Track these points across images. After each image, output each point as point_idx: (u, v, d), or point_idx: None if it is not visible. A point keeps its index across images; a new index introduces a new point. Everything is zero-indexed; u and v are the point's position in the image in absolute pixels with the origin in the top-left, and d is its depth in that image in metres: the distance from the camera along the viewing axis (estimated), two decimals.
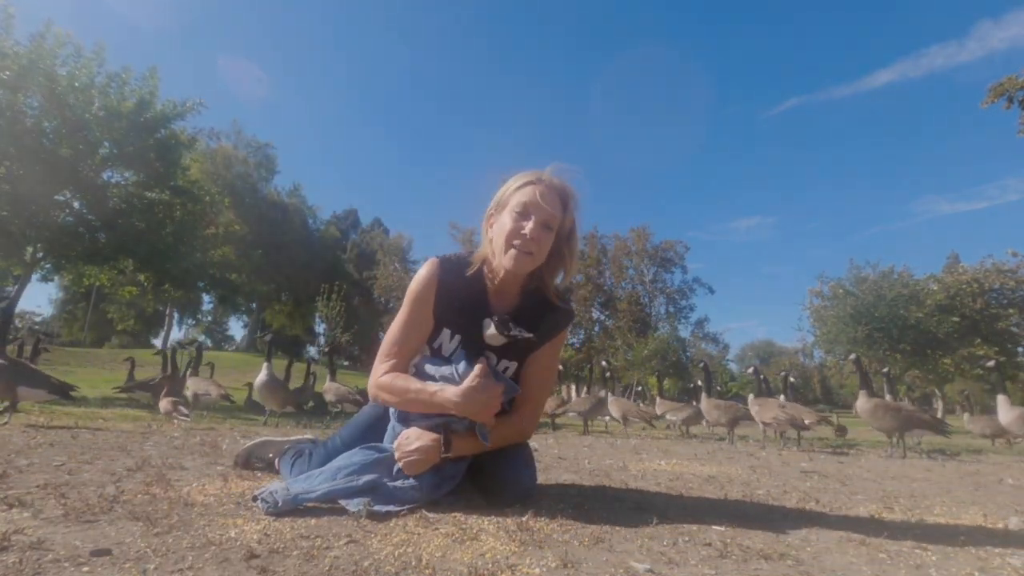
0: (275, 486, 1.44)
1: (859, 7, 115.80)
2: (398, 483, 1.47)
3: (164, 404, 4.68)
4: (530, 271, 1.60)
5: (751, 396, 5.72)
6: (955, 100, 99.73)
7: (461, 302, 1.61)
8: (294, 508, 1.37)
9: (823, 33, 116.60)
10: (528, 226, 1.52)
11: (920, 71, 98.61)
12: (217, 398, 6.29)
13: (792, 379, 9.35)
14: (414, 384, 1.54)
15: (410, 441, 1.50)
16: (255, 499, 1.39)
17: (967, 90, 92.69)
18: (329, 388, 6.44)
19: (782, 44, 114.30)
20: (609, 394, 7.19)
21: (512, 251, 1.53)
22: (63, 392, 3.98)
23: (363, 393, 7.60)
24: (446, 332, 1.64)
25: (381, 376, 1.60)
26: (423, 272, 1.62)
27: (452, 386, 1.49)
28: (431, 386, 1.51)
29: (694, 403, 6.93)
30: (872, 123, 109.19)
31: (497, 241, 1.57)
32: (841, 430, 6.81)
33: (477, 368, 1.47)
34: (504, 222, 1.56)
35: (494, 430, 1.57)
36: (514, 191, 1.58)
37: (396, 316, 1.66)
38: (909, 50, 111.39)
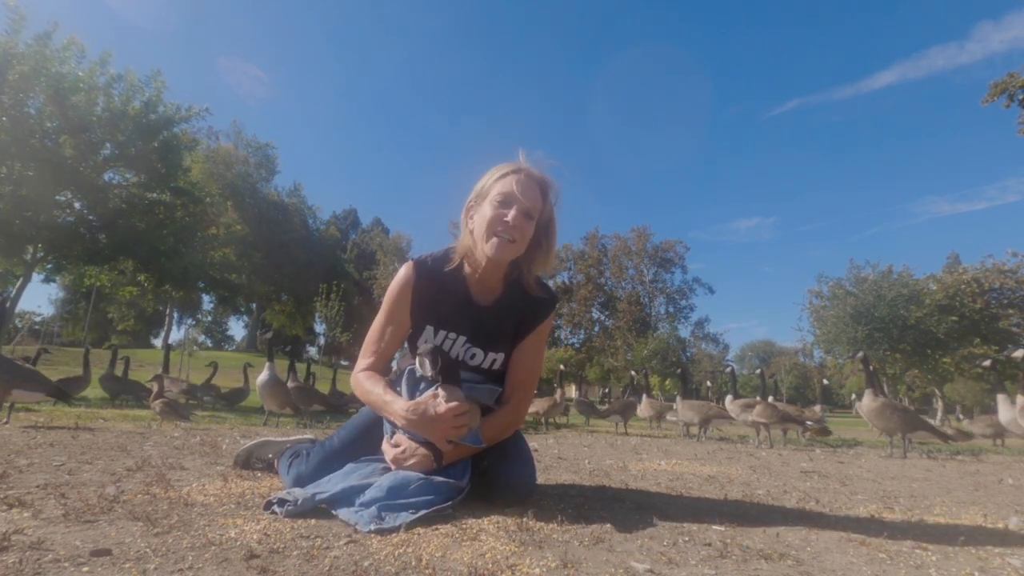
0: (293, 489, 1.45)
1: (859, 9, 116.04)
2: (413, 487, 1.44)
3: (156, 405, 4.68)
4: (512, 259, 1.61)
5: (729, 397, 5.78)
6: (955, 101, 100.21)
7: (441, 297, 1.63)
8: (314, 508, 1.36)
9: (824, 35, 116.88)
10: (510, 214, 1.54)
11: (920, 72, 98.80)
12: (178, 394, 6.23)
13: (826, 381, 9.40)
14: (376, 389, 1.58)
15: (405, 456, 1.51)
16: (268, 506, 1.37)
17: (967, 91, 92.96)
18: (291, 388, 6.45)
19: (783, 46, 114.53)
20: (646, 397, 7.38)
21: (494, 239, 1.55)
22: (60, 394, 3.97)
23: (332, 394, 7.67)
24: (429, 329, 1.65)
25: (358, 372, 1.67)
26: (399, 275, 1.64)
27: (402, 400, 1.52)
28: (388, 395, 1.55)
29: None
30: (872, 124, 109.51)
31: (478, 230, 1.58)
32: (823, 431, 6.82)
33: (431, 391, 1.47)
34: (485, 211, 1.57)
35: (486, 425, 1.57)
36: (495, 181, 1.59)
37: (376, 315, 1.69)
38: (909, 52, 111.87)
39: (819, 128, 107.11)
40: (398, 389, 1.60)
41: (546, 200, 1.62)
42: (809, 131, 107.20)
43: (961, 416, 8.30)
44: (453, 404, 1.42)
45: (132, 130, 9.66)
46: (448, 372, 1.46)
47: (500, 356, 1.70)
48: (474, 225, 1.60)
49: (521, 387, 1.72)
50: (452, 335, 1.65)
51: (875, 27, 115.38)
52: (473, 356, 1.68)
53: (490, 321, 1.66)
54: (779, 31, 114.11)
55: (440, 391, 1.45)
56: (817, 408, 7.18)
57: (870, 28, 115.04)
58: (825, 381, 9.54)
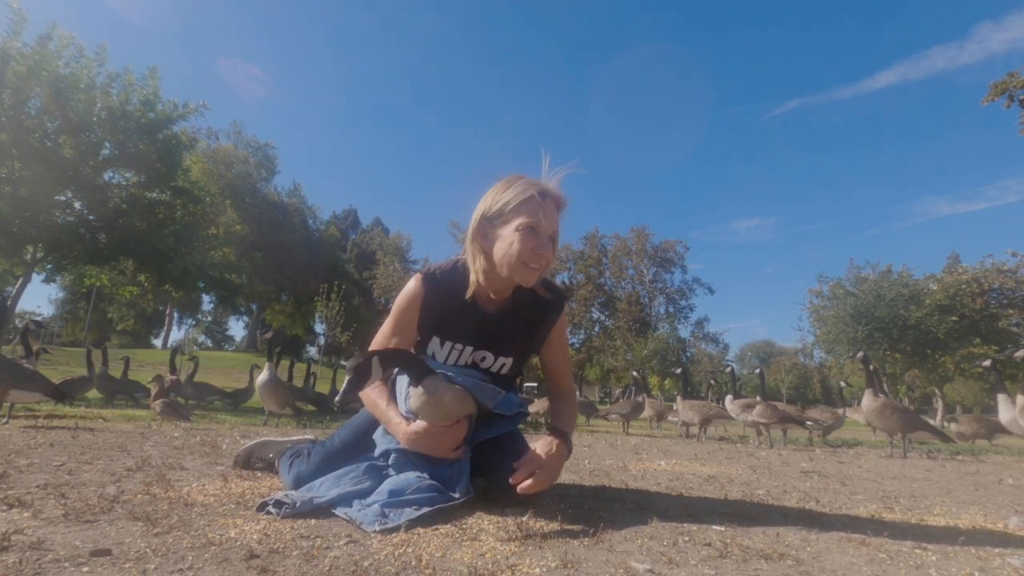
0: (290, 491, 1.46)
1: (860, 9, 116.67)
2: (413, 485, 1.45)
3: (157, 405, 4.68)
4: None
5: (729, 396, 5.81)
6: (956, 102, 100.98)
7: (449, 309, 1.63)
8: (312, 510, 1.36)
9: (824, 35, 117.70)
10: (541, 245, 1.53)
11: (921, 73, 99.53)
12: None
13: (844, 384, 9.40)
14: (382, 402, 1.59)
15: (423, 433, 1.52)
16: (264, 506, 1.36)
17: (967, 92, 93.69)
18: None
19: (783, 46, 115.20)
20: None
21: (524, 269, 1.54)
22: (59, 395, 3.98)
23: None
24: (435, 340, 1.67)
25: None
26: (408, 288, 1.64)
27: (408, 422, 1.53)
28: (393, 413, 1.57)
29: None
30: (873, 125, 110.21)
31: (502, 255, 1.55)
32: (826, 430, 6.93)
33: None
34: (510, 238, 1.53)
35: (560, 418, 1.71)
36: (519, 203, 1.54)
37: (383, 324, 1.69)
38: (910, 52, 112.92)
39: (819, 128, 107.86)
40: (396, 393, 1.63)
41: (560, 216, 1.62)
42: (809, 131, 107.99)
43: (951, 415, 8.33)
44: (449, 431, 1.50)
45: (132, 129, 9.64)
46: (418, 370, 1.44)
47: (508, 361, 1.71)
48: (493, 248, 1.57)
49: (564, 376, 1.81)
50: (459, 346, 1.66)
51: (875, 27, 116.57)
52: (483, 359, 1.69)
53: (498, 328, 1.67)
54: (780, 31, 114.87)
55: (417, 388, 1.44)
56: (840, 411, 7.21)
57: (870, 29, 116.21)
58: (843, 384, 9.54)
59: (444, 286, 1.63)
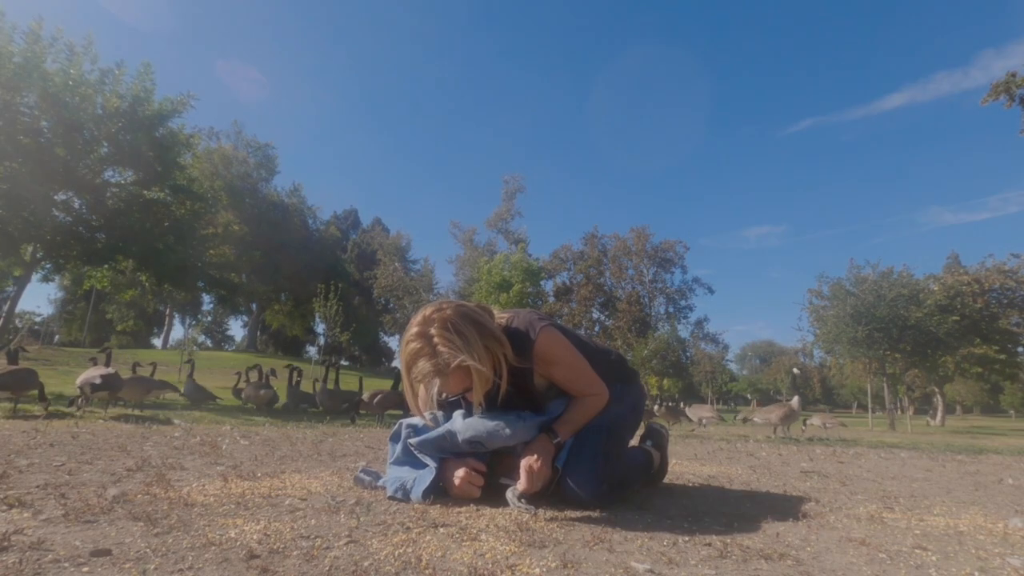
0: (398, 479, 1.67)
1: (872, 37, 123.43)
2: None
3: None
4: (488, 383, 1.55)
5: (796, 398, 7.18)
6: (961, 122, 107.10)
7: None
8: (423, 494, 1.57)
9: (839, 61, 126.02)
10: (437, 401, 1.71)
11: (928, 96, 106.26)
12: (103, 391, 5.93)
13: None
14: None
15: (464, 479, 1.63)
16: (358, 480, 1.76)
17: (972, 113, 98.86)
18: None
19: (799, 70, 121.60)
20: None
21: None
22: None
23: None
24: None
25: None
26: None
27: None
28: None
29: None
30: (882, 142, 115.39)
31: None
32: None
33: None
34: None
35: (560, 418, 1.67)
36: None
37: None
38: (917, 76, 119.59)
39: (831, 145, 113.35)
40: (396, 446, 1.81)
41: (434, 343, 1.48)
42: (821, 148, 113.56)
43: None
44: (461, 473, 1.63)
45: (124, 126, 9.59)
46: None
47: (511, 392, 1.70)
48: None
49: (576, 392, 1.72)
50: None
51: (886, 55, 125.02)
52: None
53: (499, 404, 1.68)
54: (796, 57, 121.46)
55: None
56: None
57: (882, 55, 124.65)
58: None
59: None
